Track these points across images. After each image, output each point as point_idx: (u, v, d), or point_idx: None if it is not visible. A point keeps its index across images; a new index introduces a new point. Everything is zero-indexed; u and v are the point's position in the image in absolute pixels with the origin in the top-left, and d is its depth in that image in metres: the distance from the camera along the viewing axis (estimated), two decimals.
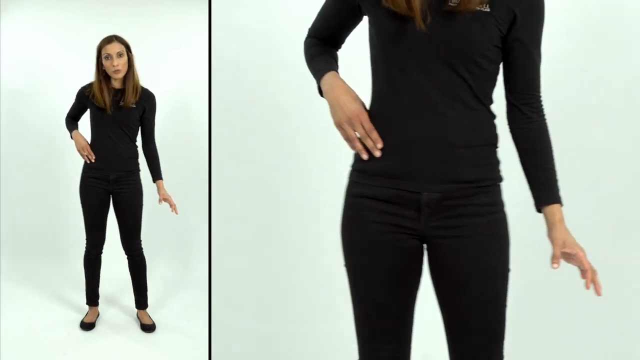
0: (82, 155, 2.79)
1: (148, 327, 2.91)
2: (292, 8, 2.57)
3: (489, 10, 1.35)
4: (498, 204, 1.45)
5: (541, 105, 1.46)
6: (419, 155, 1.39)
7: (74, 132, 2.82)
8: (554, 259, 1.38)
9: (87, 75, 2.80)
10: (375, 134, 1.42)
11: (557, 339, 2.53)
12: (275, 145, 2.67)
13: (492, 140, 1.45)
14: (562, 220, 1.41)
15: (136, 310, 2.98)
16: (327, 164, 2.63)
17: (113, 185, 2.80)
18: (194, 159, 3.09)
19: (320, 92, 1.54)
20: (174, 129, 2.92)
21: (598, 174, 2.46)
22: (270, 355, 2.69)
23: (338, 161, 2.70)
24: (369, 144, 1.42)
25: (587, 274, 1.34)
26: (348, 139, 1.45)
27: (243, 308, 2.70)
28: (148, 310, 2.98)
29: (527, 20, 1.39)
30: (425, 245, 1.47)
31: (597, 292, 1.34)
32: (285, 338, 2.70)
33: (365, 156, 1.44)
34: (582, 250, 1.37)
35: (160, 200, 2.80)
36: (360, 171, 1.47)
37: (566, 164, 2.44)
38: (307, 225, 2.68)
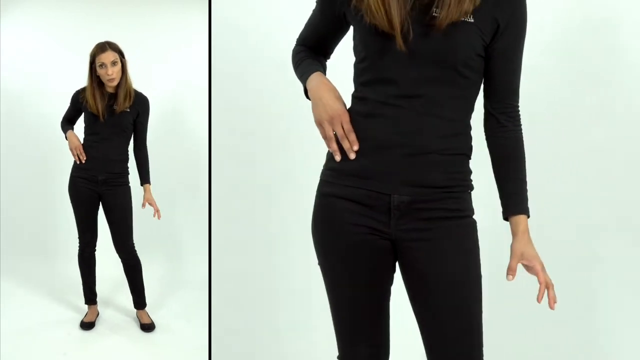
0: (73, 154, 2.81)
1: (147, 327, 2.91)
2: (292, 8, 2.57)
3: (472, 20, 1.36)
4: (467, 210, 1.45)
5: (518, 116, 1.47)
6: (393, 158, 1.39)
7: (69, 132, 2.84)
8: (509, 271, 1.40)
9: (87, 75, 2.80)
10: (353, 136, 1.43)
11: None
12: (275, 145, 2.67)
13: (466, 151, 1.46)
14: (525, 231, 1.43)
15: (135, 310, 2.99)
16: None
17: (102, 186, 2.81)
18: (194, 159, 3.09)
19: (307, 94, 1.54)
20: (174, 129, 2.92)
21: (598, 174, 2.46)
22: (270, 355, 2.69)
23: None
24: (346, 145, 1.43)
25: (541, 287, 1.36)
26: (325, 137, 1.46)
27: (243, 308, 2.70)
28: (148, 310, 2.98)
29: (510, 30, 1.40)
30: (395, 247, 1.47)
31: (550, 305, 1.36)
32: (285, 338, 2.69)
33: (337, 158, 1.44)
34: (540, 263, 1.39)
35: (143, 204, 2.81)
36: (334, 170, 1.48)
37: (567, 164, 2.45)
38: (306, 225, 2.67)
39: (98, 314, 2.99)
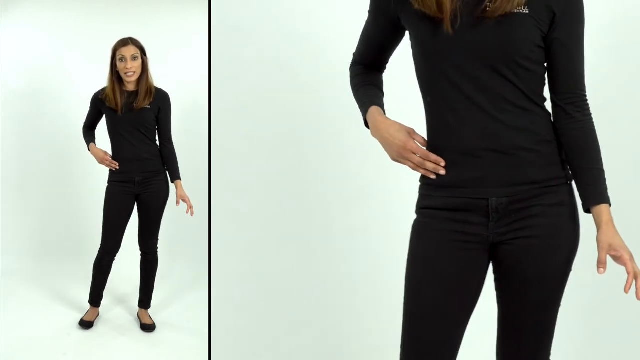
0: (106, 165, 2.79)
1: (148, 327, 2.91)
2: (292, 8, 2.57)
3: (527, 11, 1.36)
4: (566, 204, 1.44)
5: (586, 104, 1.45)
6: (481, 162, 1.40)
7: (91, 145, 2.82)
8: (599, 264, 1.36)
9: (87, 75, 2.81)
10: (432, 157, 1.42)
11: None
12: (275, 145, 2.67)
13: (551, 137, 1.44)
14: (609, 222, 1.39)
15: (137, 309, 2.99)
16: (327, 163, 2.63)
17: (139, 187, 2.80)
18: (194, 158, 3.09)
19: (367, 125, 1.55)
20: (174, 129, 2.92)
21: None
22: (270, 355, 2.69)
23: (338, 161, 2.71)
24: (430, 166, 1.42)
25: (629, 277, 1.34)
26: (413, 168, 1.46)
27: (243, 308, 2.70)
28: (148, 310, 2.98)
29: (566, 19, 1.39)
30: (492, 254, 1.47)
31: (637, 296, 1.33)
32: (285, 338, 2.69)
33: (432, 176, 1.44)
34: (628, 253, 1.37)
35: (177, 201, 2.79)
36: (428, 185, 1.48)
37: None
38: (306, 225, 2.68)
39: (98, 315, 2.99)
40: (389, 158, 1.48)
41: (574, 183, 1.47)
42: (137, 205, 2.85)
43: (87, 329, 2.89)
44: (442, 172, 1.42)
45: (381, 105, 1.53)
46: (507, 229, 1.42)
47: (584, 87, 1.46)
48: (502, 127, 1.38)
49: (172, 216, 2.80)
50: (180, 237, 3.33)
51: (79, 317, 2.94)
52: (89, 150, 2.82)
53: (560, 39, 1.40)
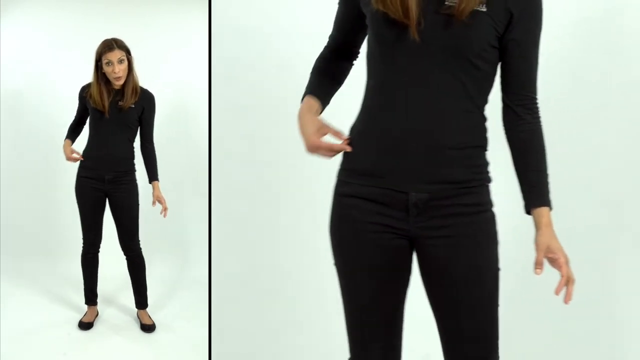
0: (72, 160, 2.82)
1: (148, 327, 2.91)
2: (292, 8, 2.57)
3: (485, 9, 1.35)
4: (485, 204, 1.44)
5: (536, 107, 1.45)
6: (408, 155, 1.38)
7: (66, 141, 2.85)
8: (537, 265, 1.36)
9: (87, 75, 2.80)
10: (335, 147, 1.48)
11: (550, 339, 2.52)
12: (275, 145, 2.67)
13: (482, 142, 1.45)
14: (548, 224, 1.39)
15: (136, 310, 2.98)
16: (327, 164, 2.63)
17: (109, 185, 2.80)
18: (194, 158, 3.09)
19: None
20: (174, 129, 2.92)
21: (599, 174, 2.46)
22: (270, 355, 2.69)
23: (338, 161, 2.71)
24: (333, 155, 1.49)
25: (562, 280, 1.33)
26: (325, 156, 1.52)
27: (243, 308, 2.70)
28: (148, 310, 2.97)
29: (524, 20, 1.38)
30: (414, 245, 1.47)
31: (565, 300, 1.33)
32: (285, 338, 2.69)
33: (348, 149, 1.47)
34: (564, 256, 1.36)
35: (153, 202, 2.80)
36: (349, 170, 1.48)
37: (567, 164, 2.44)
38: (307, 226, 2.68)
39: (97, 315, 2.99)
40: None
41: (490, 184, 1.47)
42: (110, 207, 2.86)
43: (87, 329, 2.89)
44: (348, 148, 1.47)
45: (320, 95, 1.57)
46: (427, 224, 1.41)
47: (535, 90, 1.45)
48: (435, 124, 1.37)
49: (171, 216, 2.80)
50: (179, 237, 3.33)
51: (78, 317, 2.95)
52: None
53: (516, 40, 1.39)
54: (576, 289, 1.35)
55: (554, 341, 2.52)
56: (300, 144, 2.74)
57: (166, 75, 3.23)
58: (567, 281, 1.34)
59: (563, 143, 2.44)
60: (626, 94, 2.44)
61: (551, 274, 1.39)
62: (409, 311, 1.54)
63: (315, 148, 1.49)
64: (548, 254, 1.37)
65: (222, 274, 2.69)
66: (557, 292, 1.33)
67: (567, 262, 1.36)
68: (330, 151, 1.48)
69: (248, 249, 2.69)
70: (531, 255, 1.39)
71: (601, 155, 2.46)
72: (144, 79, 2.83)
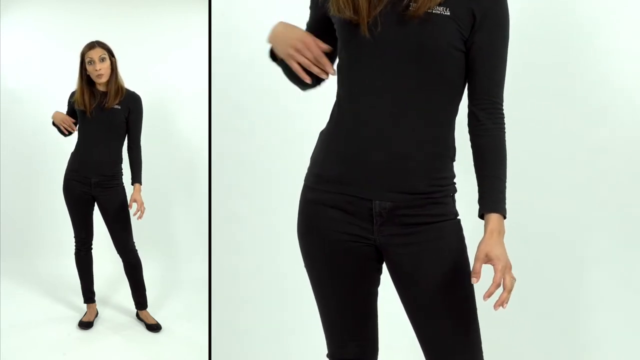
0: (60, 126, 2.83)
1: (154, 327, 2.91)
2: (292, 8, 2.56)
3: (448, 13, 1.33)
4: (450, 214, 1.43)
5: (499, 114, 1.41)
6: (372, 164, 1.38)
7: (54, 112, 2.86)
8: (473, 273, 1.31)
9: None
10: (324, 60, 1.39)
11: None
12: (275, 145, 2.67)
13: (449, 152, 1.43)
14: (492, 231, 1.35)
15: (136, 310, 2.98)
16: None
17: (95, 188, 2.82)
18: (194, 158, 3.09)
19: (273, 59, 1.53)
20: (174, 129, 2.92)
21: (599, 174, 2.45)
22: (270, 355, 2.69)
23: None
24: (315, 70, 1.39)
25: (491, 287, 1.29)
26: (297, 69, 1.40)
27: (243, 308, 2.70)
28: (148, 310, 2.98)
29: (486, 24, 1.36)
30: (381, 252, 1.46)
31: (495, 307, 1.28)
32: (285, 338, 2.69)
33: (308, 80, 1.40)
34: (502, 263, 1.31)
35: (130, 204, 2.78)
36: (315, 175, 1.47)
37: (566, 164, 2.44)
38: None
39: (97, 314, 2.99)
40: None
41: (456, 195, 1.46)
42: (99, 211, 2.87)
43: (87, 329, 2.89)
44: (325, 76, 1.40)
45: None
46: (392, 233, 1.40)
47: (500, 96, 1.41)
48: (400, 133, 1.36)
49: (172, 216, 2.80)
50: (179, 237, 3.33)
51: (78, 316, 2.95)
52: (53, 123, 2.87)
53: (479, 43, 1.36)
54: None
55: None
56: (300, 144, 2.73)
57: (166, 75, 3.24)
58: (498, 287, 1.29)
59: (566, 142, 2.44)
60: (627, 93, 2.44)
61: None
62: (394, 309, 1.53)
63: (304, 47, 1.38)
64: (487, 262, 1.33)
65: (222, 274, 2.69)
66: (485, 298, 1.28)
67: (502, 269, 1.31)
68: (318, 61, 1.39)
69: (248, 249, 2.69)
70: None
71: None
72: (144, 79, 2.83)
